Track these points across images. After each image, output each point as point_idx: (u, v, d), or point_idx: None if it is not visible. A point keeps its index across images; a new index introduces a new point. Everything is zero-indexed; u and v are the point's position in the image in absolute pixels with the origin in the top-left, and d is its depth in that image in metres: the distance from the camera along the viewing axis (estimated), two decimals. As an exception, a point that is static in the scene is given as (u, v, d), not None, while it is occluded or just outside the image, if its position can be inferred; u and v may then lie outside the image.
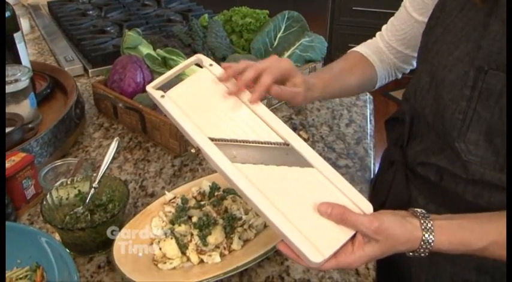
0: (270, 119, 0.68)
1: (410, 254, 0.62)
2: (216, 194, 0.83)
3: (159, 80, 0.73)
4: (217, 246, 0.74)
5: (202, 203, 0.81)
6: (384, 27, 0.96)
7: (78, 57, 1.53)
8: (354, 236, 0.59)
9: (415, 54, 0.87)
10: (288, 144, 0.65)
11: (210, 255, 0.72)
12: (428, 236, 0.59)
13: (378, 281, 0.75)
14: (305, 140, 0.85)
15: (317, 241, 0.57)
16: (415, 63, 0.93)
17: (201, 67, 0.76)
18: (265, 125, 0.67)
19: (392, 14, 0.93)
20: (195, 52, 1.32)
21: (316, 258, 0.56)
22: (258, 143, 0.65)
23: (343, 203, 0.60)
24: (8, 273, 0.66)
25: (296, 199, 0.60)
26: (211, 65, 0.74)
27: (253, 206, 0.60)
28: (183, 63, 0.75)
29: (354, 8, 3.14)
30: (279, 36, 1.35)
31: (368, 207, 0.61)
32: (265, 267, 0.75)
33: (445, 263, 0.80)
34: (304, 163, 0.64)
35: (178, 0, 2.05)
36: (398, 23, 0.92)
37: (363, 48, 0.97)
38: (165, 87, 0.73)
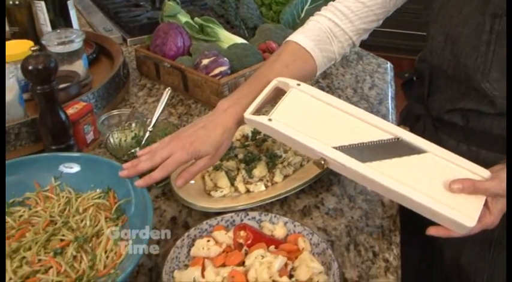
0: (372, 119, 0.73)
1: None
2: (257, 137, 0.94)
3: (253, 107, 0.75)
4: (261, 179, 0.84)
5: (246, 143, 0.91)
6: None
7: (116, 28, 1.63)
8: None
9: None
10: (398, 138, 0.71)
11: (256, 185, 0.83)
12: None
13: (401, 211, 0.85)
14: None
15: (463, 209, 0.64)
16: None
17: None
18: (370, 125, 0.72)
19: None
20: (228, 22, 1.42)
21: (470, 223, 0.63)
22: (373, 143, 0.71)
23: (464, 175, 0.67)
24: (84, 195, 0.77)
25: (427, 182, 0.67)
26: (298, 84, 0.76)
27: (395, 196, 0.67)
28: (267, 89, 0.77)
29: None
30: (305, 8, 1.44)
31: (485, 172, 0.68)
32: (302, 198, 0.85)
33: None
34: (418, 150, 0.70)
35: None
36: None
37: (302, 38, 0.86)
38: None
